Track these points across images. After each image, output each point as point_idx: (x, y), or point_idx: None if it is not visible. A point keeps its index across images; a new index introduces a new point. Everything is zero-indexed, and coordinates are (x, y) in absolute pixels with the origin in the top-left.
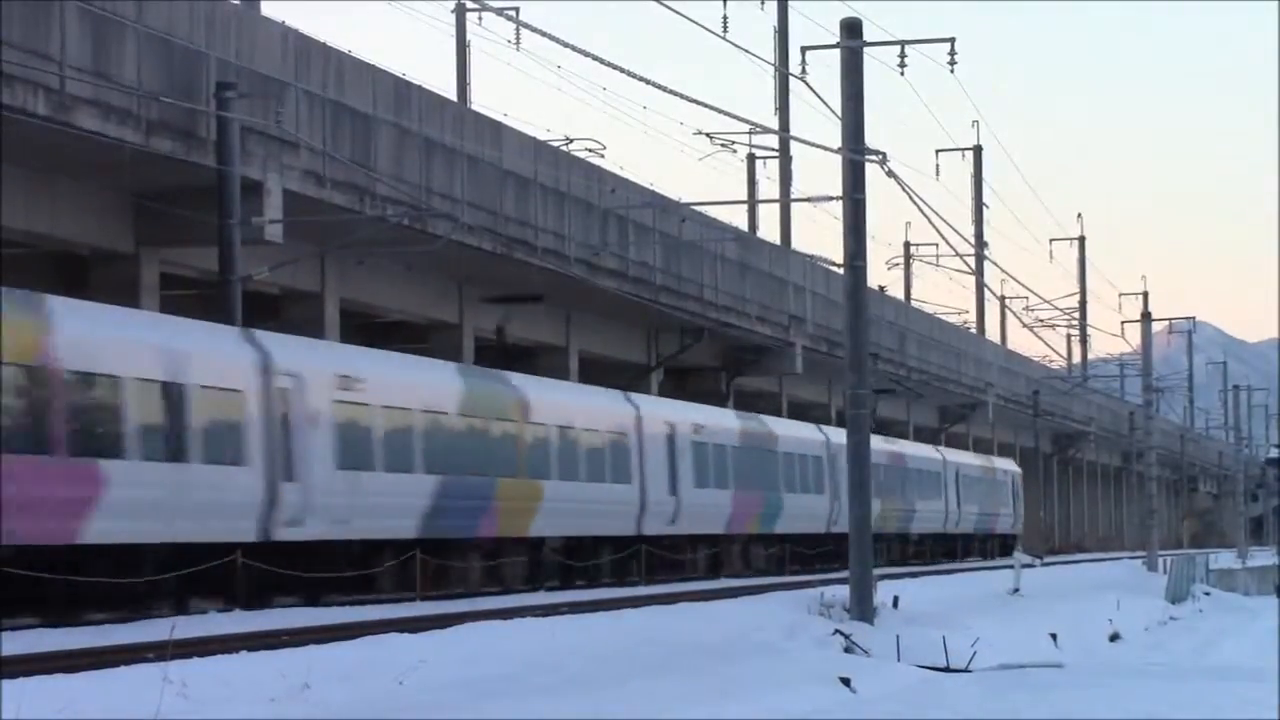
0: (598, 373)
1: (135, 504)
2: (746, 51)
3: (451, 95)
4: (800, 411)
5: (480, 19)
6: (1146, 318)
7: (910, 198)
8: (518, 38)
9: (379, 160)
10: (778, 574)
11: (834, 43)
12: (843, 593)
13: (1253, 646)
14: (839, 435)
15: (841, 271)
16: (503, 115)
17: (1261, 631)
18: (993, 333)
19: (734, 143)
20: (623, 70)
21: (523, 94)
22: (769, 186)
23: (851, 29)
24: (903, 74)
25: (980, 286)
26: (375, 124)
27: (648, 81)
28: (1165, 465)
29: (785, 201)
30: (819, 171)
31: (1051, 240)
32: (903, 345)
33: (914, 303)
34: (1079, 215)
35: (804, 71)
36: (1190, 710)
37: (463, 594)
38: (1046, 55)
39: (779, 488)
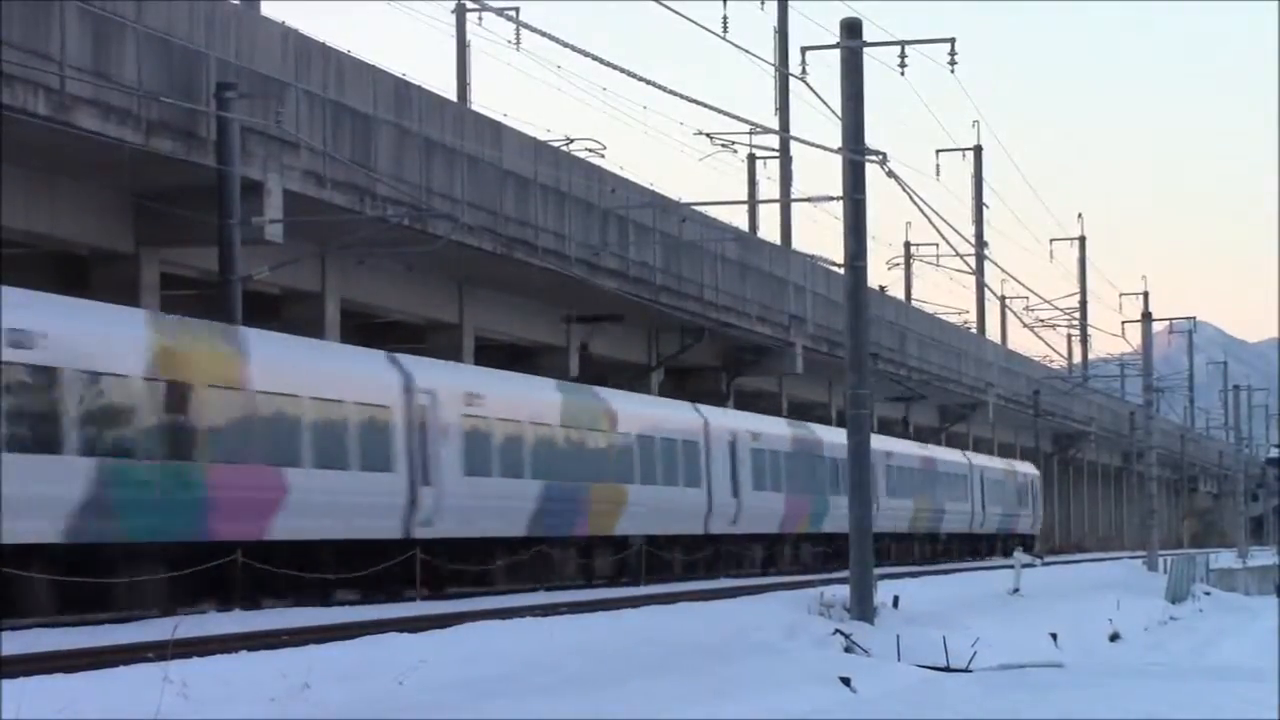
0: (598, 373)
1: (310, 506)
2: (746, 51)
3: (451, 95)
4: (800, 411)
5: (480, 19)
6: (1147, 318)
7: (910, 198)
8: (518, 38)
9: (379, 160)
10: (825, 570)
11: (834, 43)
12: (843, 592)
13: (1253, 646)
14: (877, 441)
15: (842, 271)
16: (503, 115)
17: (1261, 631)
18: (993, 333)
19: (734, 143)
20: (623, 70)
21: (523, 94)
22: (769, 186)
23: (851, 29)
24: (903, 74)
25: (980, 286)
26: (375, 124)
27: (648, 81)
28: (1165, 465)
29: (785, 201)
30: (819, 171)
31: (1051, 240)
32: (903, 345)
33: (914, 303)
34: (1079, 215)
35: (804, 71)
36: (1190, 710)
37: (560, 586)
38: (1046, 55)
39: (825, 490)
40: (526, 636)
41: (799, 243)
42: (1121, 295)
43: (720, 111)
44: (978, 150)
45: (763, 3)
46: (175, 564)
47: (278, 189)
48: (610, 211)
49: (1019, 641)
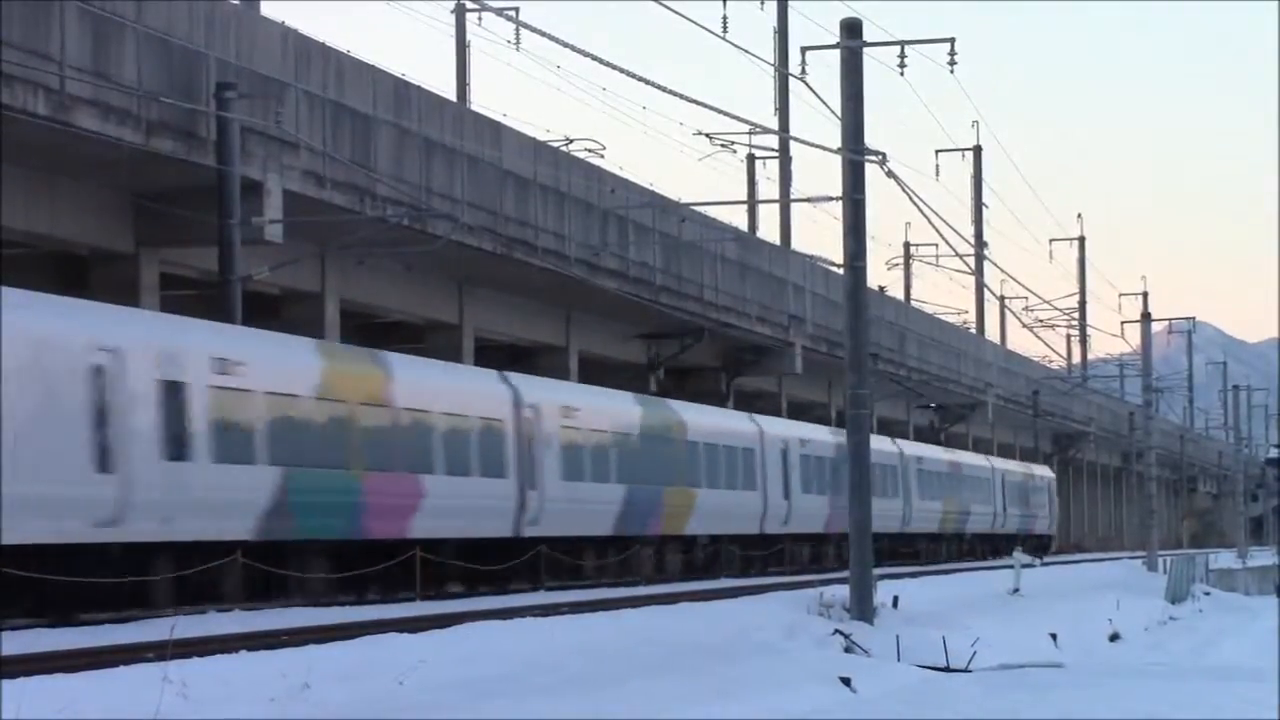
0: (598, 373)
1: (441, 508)
2: (746, 52)
3: (451, 95)
4: (800, 412)
5: (480, 19)
6: (1146, 318)
7: (910, 198)
8: (518, 38)
9: (379, 160)
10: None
11: (834, 43)
12: (842, 593)
13: (1253, 646)
14: (910, 447)
15: (841, 272)
16: (502, 115)
17: (1261, 631)
18: (993, 333)
19: (734, 143)
20: (623, 70)
21: (523, 94)
22: (769, 187)
23: (851, 29)
24: (903, 74)
25: (980, 286)
26: (375, 124)
27: (648, 81)
28: (1165, 465)
29: (785, 202)
30: (819, 171)
31: (1051, 240)
32: (903, 345)
33: (914, 303)
34: (1079, 215)
35: (804, 71)
36: (1190, 710)
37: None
38: (1046, 55)
39: None
40: (526, 636)
41: (799, 243)
42: (1121, 295)
43: (720, 111)
44: (977, 150)
45: (763, 3)
46: (338, 559)
47: (277, 189)
48: (610, 211)
49: (1019, 641)
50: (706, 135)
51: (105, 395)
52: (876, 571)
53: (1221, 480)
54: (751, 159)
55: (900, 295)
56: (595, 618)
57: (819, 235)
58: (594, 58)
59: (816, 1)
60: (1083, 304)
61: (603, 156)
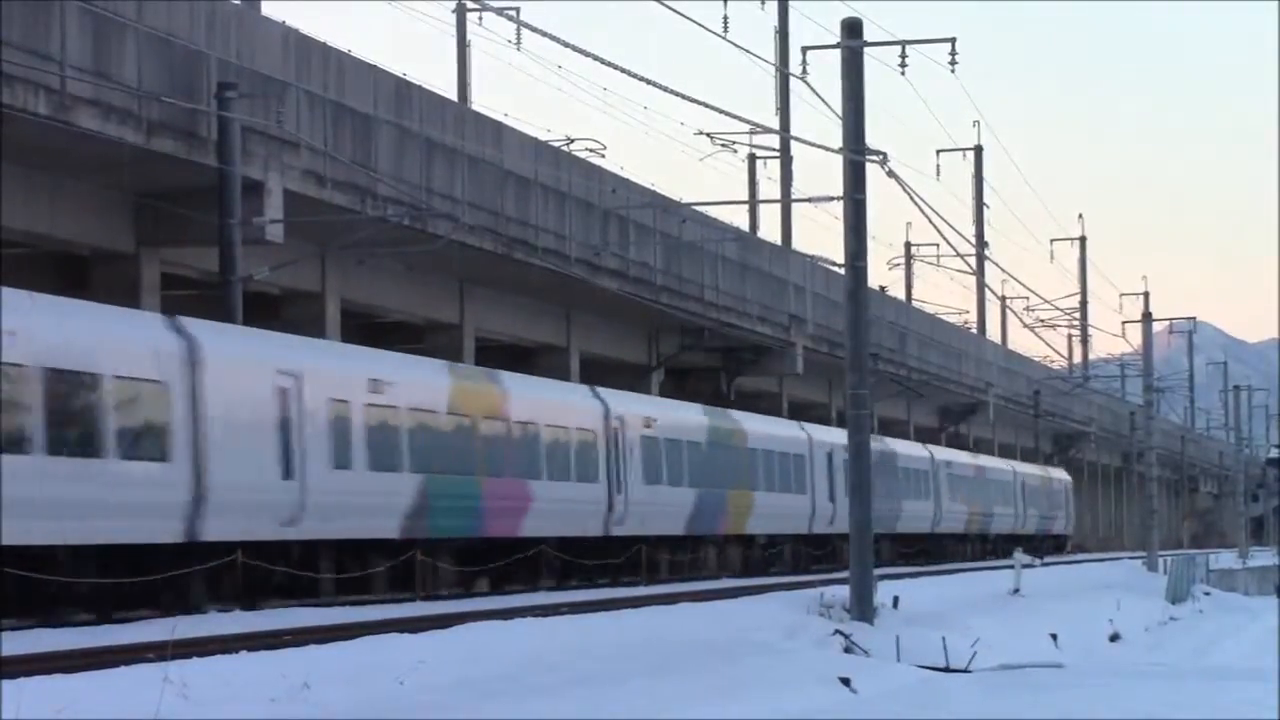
0: (598, 373)
1: (547, 510)
2: (747, 51)
3: (452, 95)
4: (800, 412)
5: (480, 19)
6: (1147, 318)
7: (910, 198)
8: (518, 38)
9: (379, 160)
10: (897, 565)
11: (834, 43)
12: (843, 593)
13: (1252, 646)
14: (940, 452)
15: (842, 271)
16: (503, 115)
17: (1261, 631)
18: (993, 333)
19: (734, 143)
20: (623, 70)
21: (523, 94)
22: (769, 186)
23: (852, 29)
24: (903, 74)
25: (981, 286)
26: (376, 124)
27: (648, 81)
28: (1165, 465)
29: (786, 201)
30: (819, 171)
31: (1052, 240)
32: (903, 345)
33: (914, 303)
34: (1079, 215)
35: (804, 71)
36: (1190, 710)
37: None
38: (1046, 55)
39: (899, 496)
40: (526, 636)
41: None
42: (1121, 295)
43: (720, 111)
44: (978, 150)
45: (763, 3)
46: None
47: (278, 189)
48: (610, 211)
49: (1019, 642)
50: (707, 135)
51: (287, 413)
52: (879, 571)
53: (1222, 480)
54: (752, 159)
55: (901, 295)
56: (595, 618)
57: (820, 235)
58: (595, 58)
59: (817, 1)
60: (1083, 304)
61: (603, 156)
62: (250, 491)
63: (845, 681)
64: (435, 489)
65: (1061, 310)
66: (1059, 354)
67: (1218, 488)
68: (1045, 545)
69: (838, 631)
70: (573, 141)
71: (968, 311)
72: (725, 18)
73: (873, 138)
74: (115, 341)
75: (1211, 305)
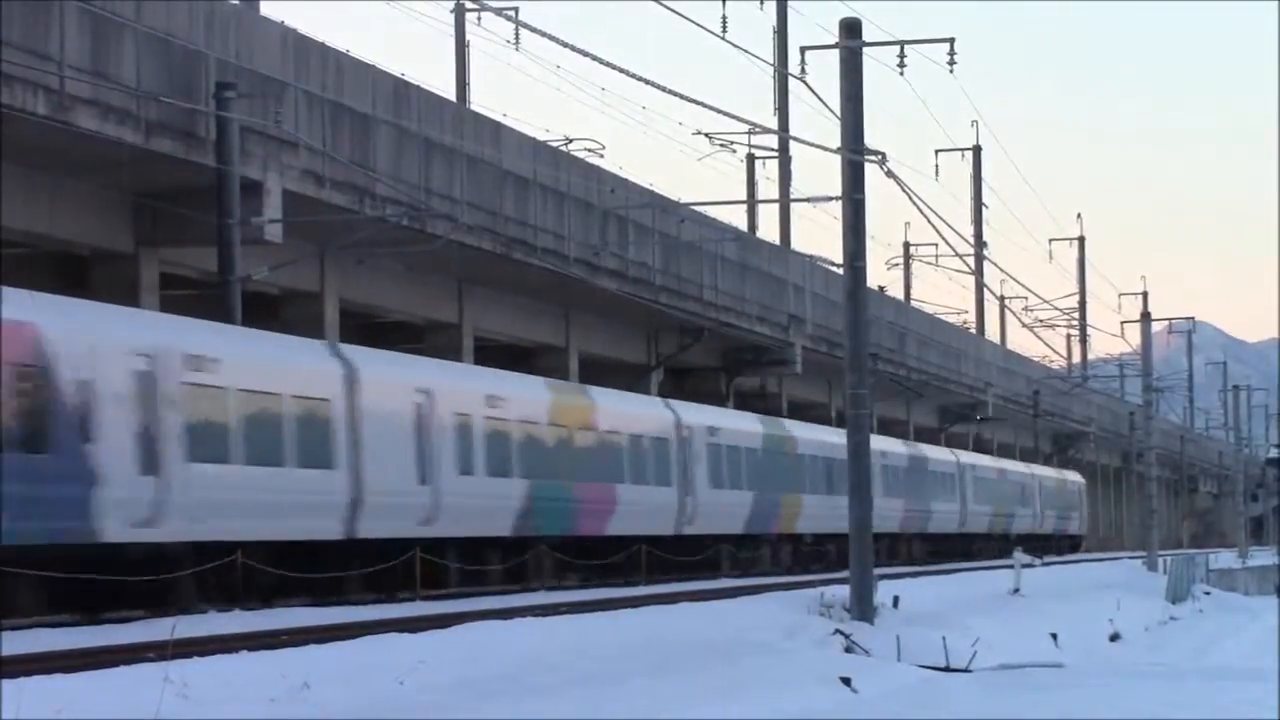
0: (598, 373)
1: (630, 512)
2: (746, 51)
3: (451, 95)
4: (800, 411)
5: (480, 19)
6: (1146, 318)
7: (910, 198)
8: (517, 38)
9: (378, 160)
10: (927, 563)
11: (834, 43)
12: (843, 593)
13: (1252, 646)
14: (965, 456)
15: (841, 271)
16: (502, 115)
17: (1261, 631)
18: (993, 333)
19: (734, 143)
20: (623, 70)
21: (522, 94)
22: (769, 186)
23: (851, 29)
24: (902, 74)
25: (980, 286)
26: (374, 124)
27: (648, 81)
28: (1165, 465)
29: (785, 201)
30: (819, 171)
31: (1051, 240)
32: (903, 345)
33: (914, 303)
34: (1079, 215)
35: (804, 71)
36: (1190, 710)
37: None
38: (1046, 55)
39: (929, 498)
40: (526, 636)
41: (798, 243)
42: (1121, 295)
43: (720, 111)
44: (977, 150)
45: (762, 3)
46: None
47: (277, 189)
48: (610, 211)
49: (1019, 641)
50: (706, 135)
51: (423, 426)
52: (883, 571)
53: (1222, 480)
54: (751, 159)
55: (900, 295)
56: (595, 618)
57: (819, 235)
58: (594, 58)
59: (816, 1)
60: (1083, 304)
61: (602, 156)
62: (395, 495)
63: (845, 681)
64: (539, 492)
65: (1060, 310)
66: (1058, 354)
67: (1217, 487)
68: (1062, 544)
69: (838, 631)
70: (571, 141)
71: (967, 311)
72: (724, 18)
73: (871, 138)
74: (291, 365)
75: (1211, 305)
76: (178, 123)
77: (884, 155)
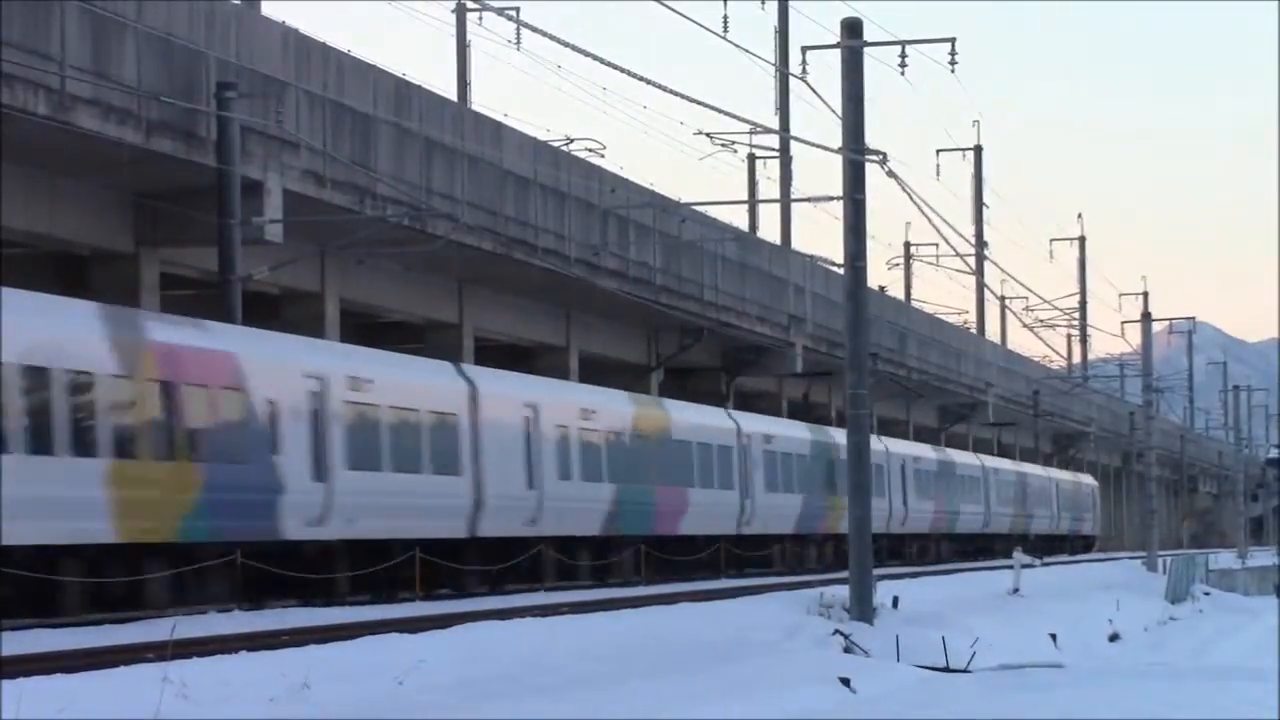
0: (598, 373)
1: (699, 514)
2: (747, 51)
3: (451, 95)
4: (800, 412)
5: (480, 19)
6: (1146, 318)
7: (910, 198)
8: (518, 38)
9: (379, 160)
10: (955, 561)
11: (834, 43)
12: (842, 593)
13: (1252, 646)
14: (990, 461)
15: (841, 271)
16: (503, 115)
17: (1261, 631)
18: (993, 333)
19: (734, 143)
20: (623, 70)
21: (523, 94)
22: (769, 186)
23: (852, 29)
24: (903, 74)
25: (980, 286)
26: (375, 124)
27: (648, 81)
28: (1165, 465)
29: (785, 201)
30: (819, 171)
31: (1051, 240)
32: (903, 345)
33: (914, 303)
34: (1079, 215)
35: (804, 71)
36: (1190, 710)
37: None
38: (1046, 55)
39: (957, 501)
40: (526, 636)
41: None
42: (1121, 295)
43: (720, 111)
44: (978, 150)
45: (763, 3)
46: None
47: (277, 189)
48: (610, 211)
49: (1019, 641)
50: (707, 135)
51: (530, 436)
52: (883, 571)
53: (1222, 480)
54: (752, 159)
55: (900, 295)
56: (595, 618)
57: (819, 235)
58: (594, 57)
59: (817, 1)
60: (1083, 304)
61: (603, 156)
62: (509, 499)
63: (845, 681)
64: (624, 496)
65: (1061, 310)
66: (1058, 354)
67: (1217, 488)
68: (1076, 544)
69: (838, 631)
70: (572, 141)
71: (967, 311)
72: (725, 18)
73: (872, 138)
74: (427, 384)
75: (1211, 305)
76: (178, 123)
77: (885, 155)
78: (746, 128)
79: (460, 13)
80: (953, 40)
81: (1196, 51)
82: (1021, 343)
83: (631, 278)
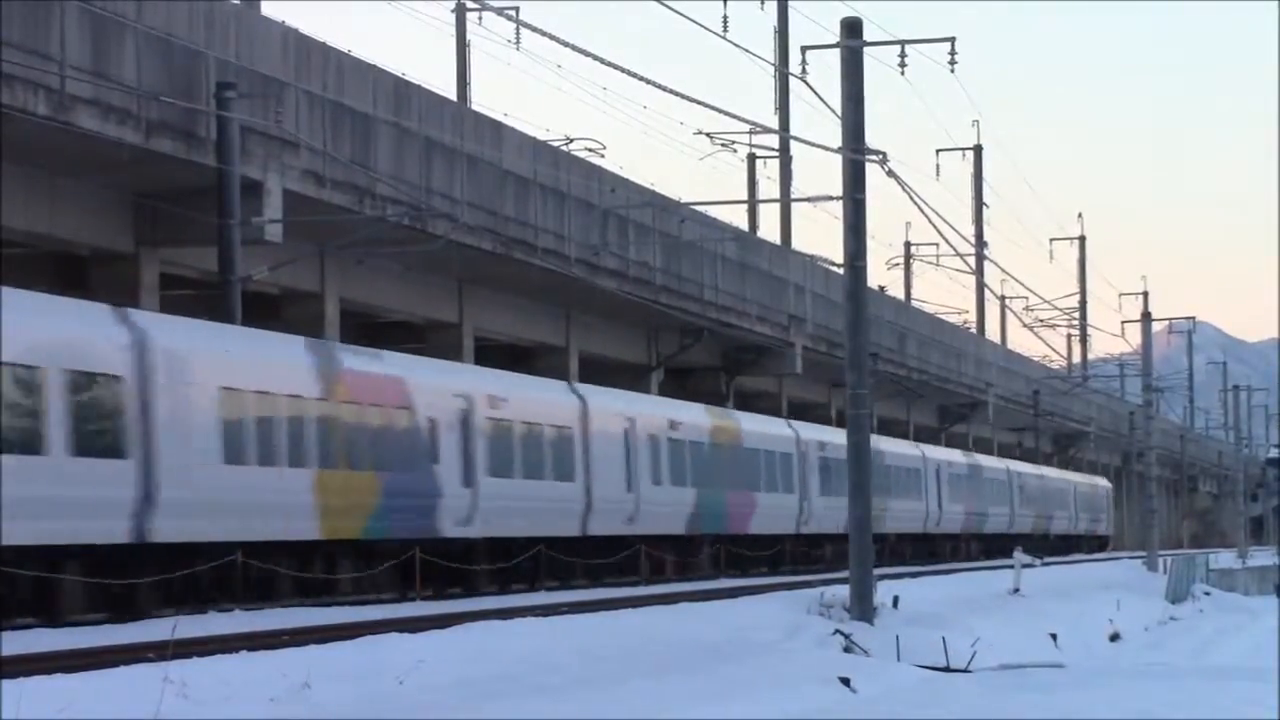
0: (598, 373)
1: (765, 515)
2: (746, 51)
3: (451, 95)
4: (800, 412)
5: (480, 19)
6: (1146, 318)
7: (910, 198)
8: (518, 38)
9: (379, 160)
10: (979, 560)
11: (834, 42)
12: (843, 592)
13: (1252, 646)
14: (1015, 465)
15: (841, 271)
16: (503, 115)
17: (1261, 631)
18: (993, 333)
19: (734, 143)
20: (623, 70)
21: (523, 94)
22: (769, 186)
23: (851, 29)
24: (903, 74)
25: (980, 286)
26: (375, 124)
27: (648, 81)
28: (1165, 465)
29: (785, 201)
30: (819, 171)
31: (1051, 240)
32: (903, 345)
33: (914, 303)
34: (1079, 215)
35: (804, 71)
36: (1190, 710)
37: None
38: (1046, 55)
39: (986, 503)
40: (526, 636)
41: (799, 243)
42: (1121, 295)
43: (720, 111)
44: (978, 150)
45: (763, 3)
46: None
47: (277, 189)
48: (610, 211)
49: (1019, 641)
50: (707, 135)
51: (629, 445)
52: (884, 571)
53: (1222, 480)
54: (752, 158)
55: (900, 295)
56: (595, 618)
57: (819, 235)
58: (594, 57)
59: (817, 1)
60: (1083, 304)
61: (603, 156)
62: (612, 501)
63: (845, 681)
64: (703, 498)
65: (1061, 310)
66: (1058, 354)
67: (1217, 488)
68: (1091, 543)
69: (838, 631)
70: (572, 141)
71: (967, 311)
72: (725, 18)
73: (872, 137)
74: (548, 401)
75: (1211, 305)
76: (178, 123)
77: (885, 155)
78: (746, 128)
79: (460, 13)
80: (952, 40)
81: (1196, 51)
82: (1021, 343)
83: (631, 278)
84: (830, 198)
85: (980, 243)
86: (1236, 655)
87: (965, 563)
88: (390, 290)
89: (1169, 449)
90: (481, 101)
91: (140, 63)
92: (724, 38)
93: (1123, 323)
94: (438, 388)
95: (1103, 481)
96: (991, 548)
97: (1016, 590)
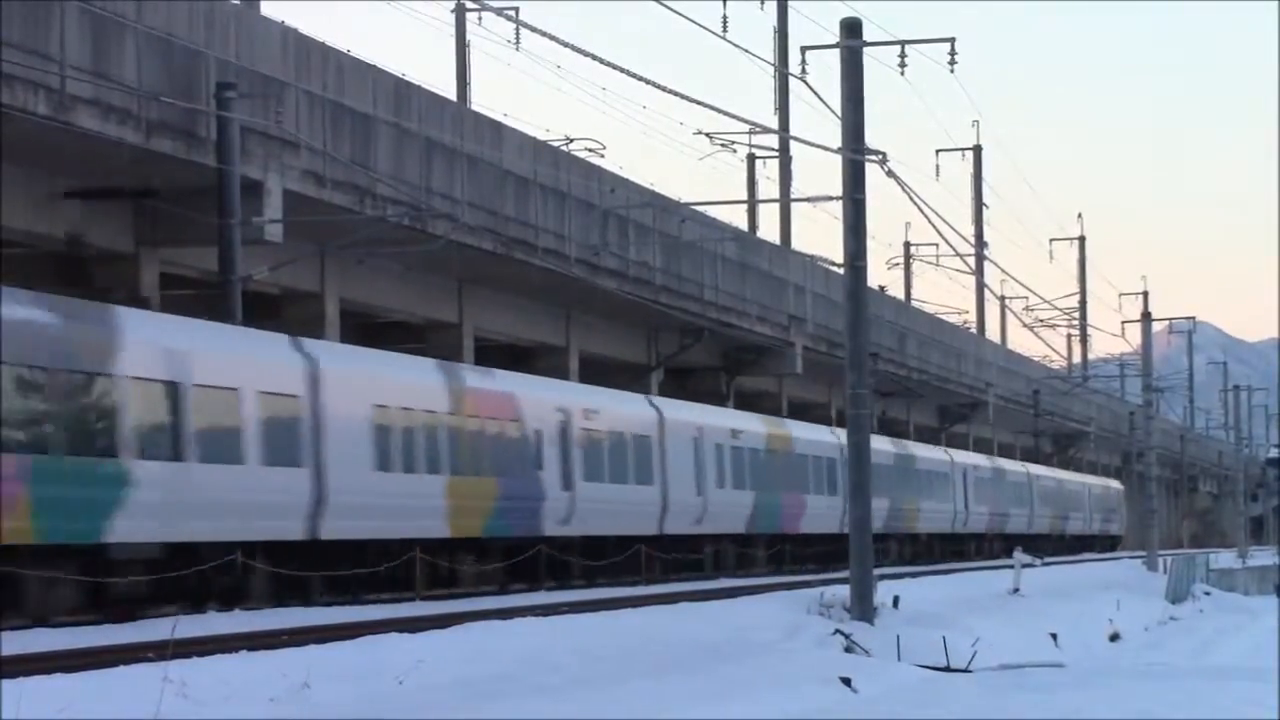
0: (598, 373)
1: (813, 515)
2: (746, 51)
3: (451, 95)
4: (800, 411)
5: (480, 19)
6: (1146, 318)
7: (910, 198)
8: (518, 38)
9: (379, 160)
10: (997, 558)
11: (834, 43)
12: (843, 592)
13: (1252, 646)
14: (1033, 468)
15: (841, 271)
16: (503, 115)
17: (1261, 631)
18: (993, 333)
19: (734, 143)
20: (623, 70)
21: (523, 94)
22: (769, 186)
23: (851, 29)
24: (903, 74)
25: (980, 286)
26: (375, 124)
27: (648, 81)
28: (1165, 465)
29: (785, 201)
30: (819, 171)
31: (1051, 240)
32: (903, 345)
33: (914, 303)
34: (1079, 215)
35: (804, 71)
36: (1190, 710)
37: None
38: (1046, 55)
39: (1006, 504)
40: (526, 636)
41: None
42: (1121, 295)
43: (720, 111)
44: (977, 150)
45: (763, 3)
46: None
47: (277, 189)
48: (610, 211)
49: (1019, 641)
50: (706, 135)
51: (697, 451)
52: (884, 571)
53: (1222, 480)
54: (751, 159)
55: (900, 295)
56: (595, 618)
57: (819, 235)
58: (594, 58)
59: (816, 1)
60: (1083, 304)
61: (603, 156)
62: (684, 503)
63: (845, 681)
64: (759, 500)
65: (1061, 310)
66: (1058, 354)
67: (1217, 487)
68: (1104, 543)
69: (838, 631)
70: (572, 141)
71: (967, 311)
72: (725, 18)
73: (872, 138)
74: (630, 412)
75: (1211, 305)
76: (178, 123)
77: (884, 155)
78: (746, 128)
79: (460, 13)
80: (952, 40)
81: (1196, 51)
82: (1021, 343)
83: (631, 278)
84: (830, 198)
85: (980, 243)
86: (1236, 655)
87: (988, 561)
88: (390, 290)
89: (1169, 449)
90: (481, 102)
91: (140, 63)
92: (723, 38)
93: (1123, 323)
94: (542, 402)
95: (1115, 483)
96: (1013, 546)
97: (1016, 590)
